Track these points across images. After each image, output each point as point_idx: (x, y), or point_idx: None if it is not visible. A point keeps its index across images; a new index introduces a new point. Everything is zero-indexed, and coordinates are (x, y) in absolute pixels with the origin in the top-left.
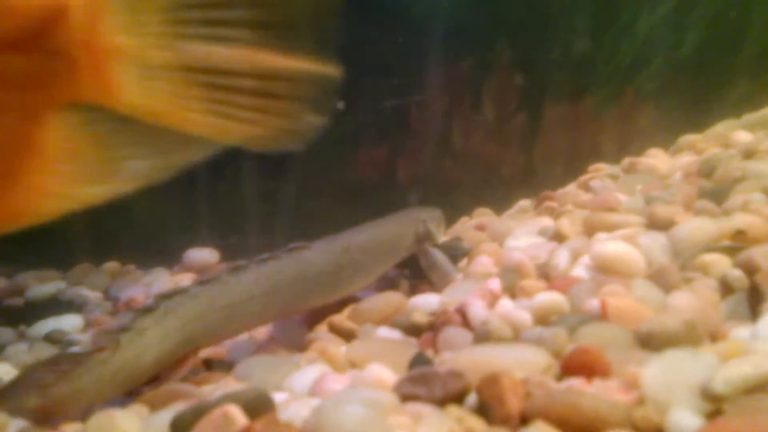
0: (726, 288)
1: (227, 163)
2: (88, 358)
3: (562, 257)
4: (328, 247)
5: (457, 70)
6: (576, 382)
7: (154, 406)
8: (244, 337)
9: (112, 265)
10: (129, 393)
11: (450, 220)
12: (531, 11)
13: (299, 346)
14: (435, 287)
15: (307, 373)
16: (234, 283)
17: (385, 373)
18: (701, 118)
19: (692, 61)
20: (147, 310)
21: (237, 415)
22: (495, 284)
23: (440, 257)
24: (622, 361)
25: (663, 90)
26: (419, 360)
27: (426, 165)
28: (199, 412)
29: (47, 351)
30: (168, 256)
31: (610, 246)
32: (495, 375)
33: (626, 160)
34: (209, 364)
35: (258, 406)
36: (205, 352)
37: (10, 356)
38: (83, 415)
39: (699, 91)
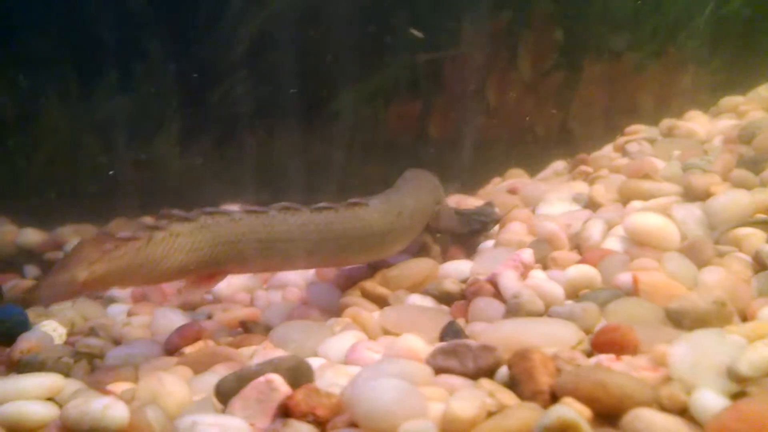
0: (759, 264)
1: (259, 121)
2: (125, 243)
3: (595, 229)
4: (384, 207)
5: (493, 24)
6: (605, 359)
7: (197, 368)
8: (277, 297)
9: (146, 221)
10: (170, 352)
11: (481, 179)
12: None
13: (332, 309)
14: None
15: (341, 339)
16: (279, 221)
17: (417, 344)
18: (745, 80)
19: (738, 18)
20: (186, 219)
21: (279, 383)
22: (527, 255)
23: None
24: (652, 338)
25: (706, 48)
26: (450, 329)
27: (459, 122)
28: (243, 378)
29: (91, 308)
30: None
31: (644, 218)
32: (526, 350)
33: (665, 123)
34: (246, 326)
35: (298, 374)
36: (241, 312)
37: (56, 313)
38: None
39: (744, 51)
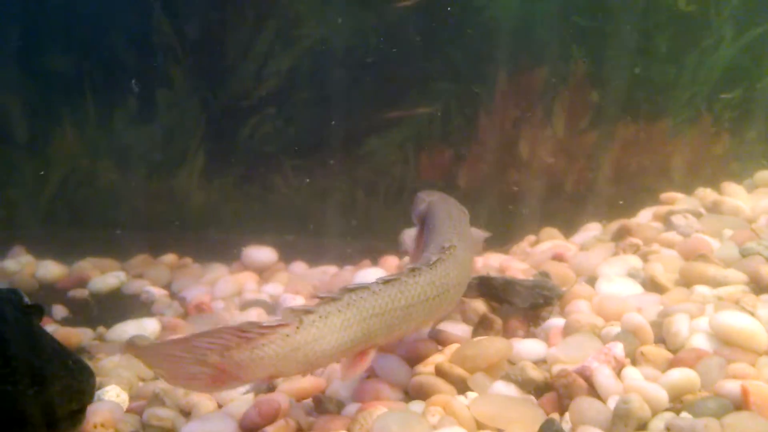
0: None
1: (283, 161)
2: (272, 330)
3: (683, 324)
4: (463, 255)
5: (530, 80)
6: None
7: None
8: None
9: (170, 258)
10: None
11: (512, 235)
12: (611, 26)
13: (403, 386)
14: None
15: None
16: (412, 284)
17: None
18: None
19: None
20: (332, 299)
21: None
22: (619, 349)
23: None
24: None
25: (741, 120)
26: (549, 428)
27: (488, 174)
28: None
29: (136, 361)
30: (223, 249)
31: (733, 318)
32: None
33: (705, 195)
34: (318, 401)
35: None
36: (307, 384)
37: (109, 371)
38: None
39: None
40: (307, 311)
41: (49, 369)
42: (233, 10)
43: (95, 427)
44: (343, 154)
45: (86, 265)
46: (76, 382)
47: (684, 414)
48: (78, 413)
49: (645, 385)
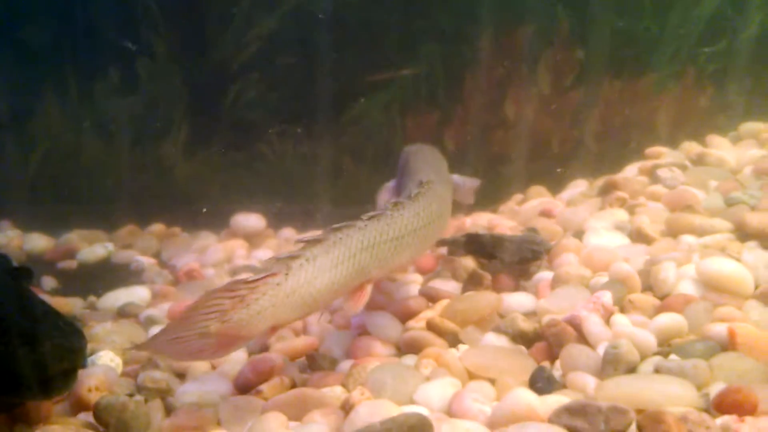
0: None
1: (268, 128)
2: (261, 282)
3: (670, 271)
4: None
5: (515, 39)
6: (731, 421)
7: (290, 414)
8: (325, 323)
9: (158, 228)
10: (244, 390)
11: (500, 195)
12: None
13: (394, 341)
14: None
15: (437, 386)
16: (398, 217)
17: (531, 398)
18: (763, 105)
19: (757, 44)
20: (317, 241)
21: None
22: (607, 297)
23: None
24: (765, 397)
25: (725, 72)
26: (541, 376)
27: (475, 135)
28: None
29: (133, 330)
30: (211, 219)
31: (719, 263)
32: (659, 413)
33: (691, 149)
34: (312, 358)
35: (420, 430)
36: (299, 342)
37: (102, 337)
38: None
39: (762, 76)
40: (293, 257)
41: (39, 329)
42: None
43: (90, 390)
44: (329, 118)
45: (73, 237)
46: (67, 341)
47: (672, 356)
48: (71, 372)
49: (634, 330)
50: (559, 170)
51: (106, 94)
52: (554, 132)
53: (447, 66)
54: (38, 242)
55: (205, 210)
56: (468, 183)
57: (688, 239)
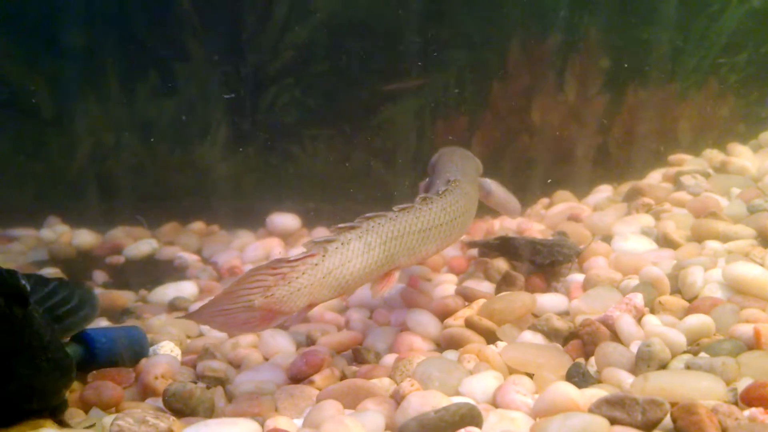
0: None
1: (303, 132)
2: (302, 261)
3: (698, 275)
4: (468, 188)
5: (542, 47)
6: (758, 413)
7: (345, 402)
8: (365, 318)
9: (198, 225)
10: (297, 379)
11: (525, 199)
12: None
13: (434, 338)
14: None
15: (481, 379)
16: (426, 210)
17: (572, 391)
18: None
19: None
20: (351, 228)
21: None
22: (639, 299)
23: (497, 188)
24: None
25: (746, 83)
26: (576, 371)
27: (502, 140)
28: (426, 426)
29: (187, 324)
30: (249, 218)
31: (745, 268)
32: (692, 405)
33: (713, 156)
34: (357, 352)
35: (470, 420)
36: (344, 337)
37: (159, 329)
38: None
39: None
40: (329, 240)
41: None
42: None
43: (156, 378)
44: (360, 122)
45: (119, 234)
46: (41, 382)
47: (702, 354)
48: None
49: (665, 330)
50: (583, 176)
51: (147, 96)
52: (579, 138)
53: (475, 73)
54: (86, 238)
55: (240, 206)
56: (502, 194)
57: (712, 245)
